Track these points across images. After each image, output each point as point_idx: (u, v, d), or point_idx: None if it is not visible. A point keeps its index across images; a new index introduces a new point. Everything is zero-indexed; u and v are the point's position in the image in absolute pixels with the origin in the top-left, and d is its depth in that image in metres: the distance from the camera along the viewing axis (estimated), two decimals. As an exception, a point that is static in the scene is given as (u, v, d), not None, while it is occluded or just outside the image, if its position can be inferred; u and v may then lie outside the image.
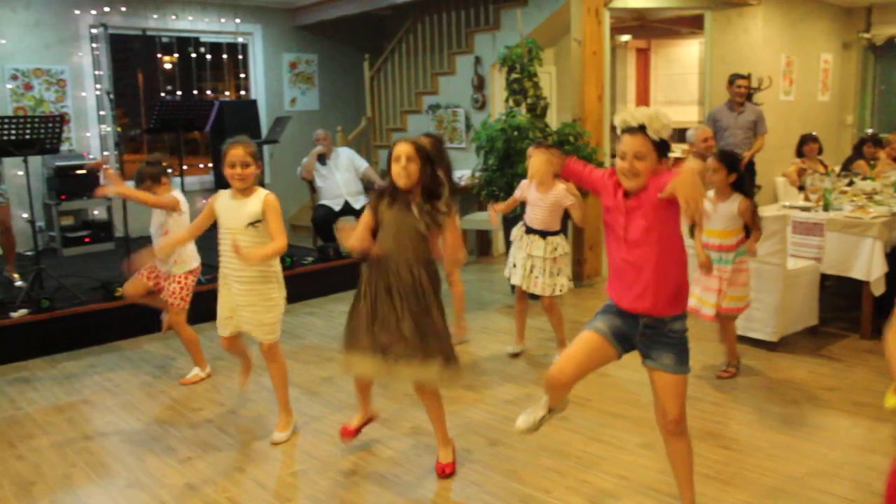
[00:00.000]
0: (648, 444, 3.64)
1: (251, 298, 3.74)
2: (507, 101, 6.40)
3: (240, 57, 9.76)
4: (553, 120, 7.81)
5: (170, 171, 4.78)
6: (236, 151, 3.64)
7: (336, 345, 5.26)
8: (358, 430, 3.74)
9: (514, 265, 4.89)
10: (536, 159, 2.99)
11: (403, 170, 3.18)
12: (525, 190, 4.85)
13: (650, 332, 2.74)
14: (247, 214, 3.66)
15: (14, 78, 7.94)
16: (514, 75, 6.28)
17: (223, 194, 3.78)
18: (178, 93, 9.30)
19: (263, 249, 3.62)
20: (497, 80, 8.14)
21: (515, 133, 6.05)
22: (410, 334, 3.21)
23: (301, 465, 3.58)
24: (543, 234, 4.77)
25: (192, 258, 4.65)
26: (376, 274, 3.30)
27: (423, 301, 3.26)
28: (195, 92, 9.63)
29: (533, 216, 4.79)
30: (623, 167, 2.65)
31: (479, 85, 8.34)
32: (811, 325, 5.15)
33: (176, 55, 9.25)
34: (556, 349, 4.91)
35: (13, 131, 5.31)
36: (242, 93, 9.86)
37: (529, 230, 4.81)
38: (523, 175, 6.00)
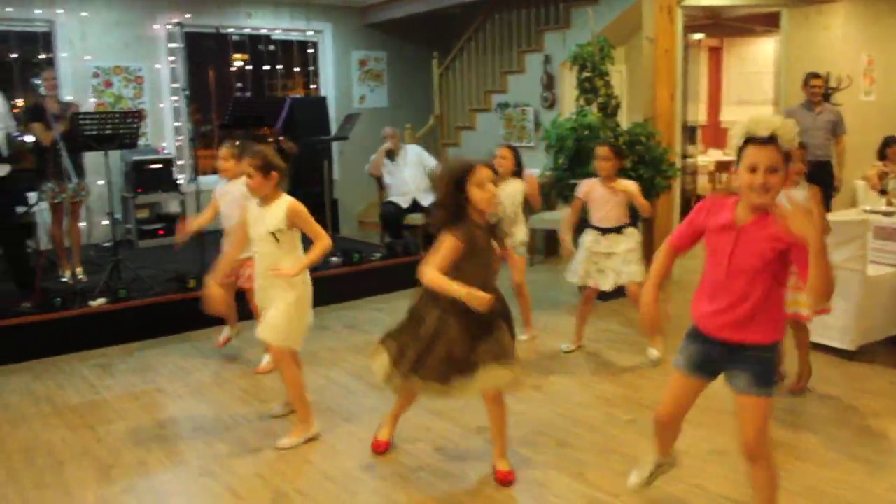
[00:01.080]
0: (720, 450, 3.56)
1: (268, 303, 3.77)
2: (577, 99, 6.35)
3: (310, 53, 9.89)
4: (623, 119, 7.72)
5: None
6: (244, 165, 3.70)
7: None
8: (390, 444, 3.72)
9: (600, 271, 4.82)
10: None
11: (493, 197, 3.18)
12: (589, 191, 4.80)
13: (735, 355, 2.60)
14: (268, 223, 3.68)
15: (95, 76, 8.19)
16: (585, 74, 6.23)
17: (253, 202, 3.79)
18: (247, 91, 9.46)
19: (308, 257, 3.65)
20: (567, 79, 8.08)
21: (586, 132, 6.00)
22: (470, 349, 3.16)
23: (368, 460, 3.60)
24: (619, 230, 4.75)
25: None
26: (447, 301, 3.17)
27: (498, 319, 3.24)
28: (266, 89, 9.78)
29: (604, 215, 4.75)
30: (754, 182, 2.43)
31: (549, 84, 8.29)
32: (893, 335, 4.97)
33: (247, 53, 9.41)
34: (650, 343, 4.83)
35: (95, 127, 5.47)
36: (312, 87, 9.98)
37: (605, 230, 4.77)
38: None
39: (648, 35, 6.59)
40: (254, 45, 9.44)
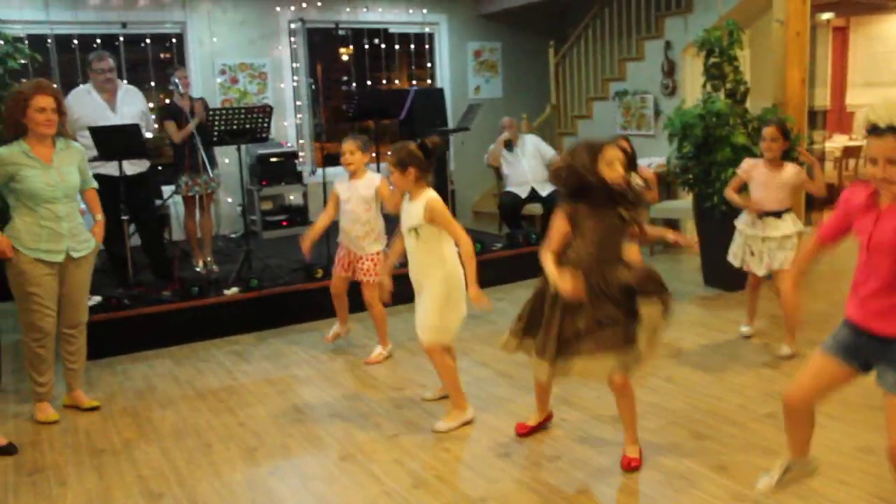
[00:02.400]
0: (867, 447, 3.42)
1: (418, 297, 3.87)
2: (704, 86, 6.17)
3: (425, 46, 9.97)
4: (748, 105, 7.47)
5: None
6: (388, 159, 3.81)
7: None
8: (534, 429, 3.75)
9: (752, 254, 4.71)
10: None
11: (620, 177, 3.16)
12: (751, 170, 4.67)
13: (884, 349, 2.50)
14: (411, 218, 3.75)
15: (222, 72, 8.49)
16: (712, 59, 6.05)
17: (406, 196, 3.87)
18: (365, 83, 9.62)
19: (470, 272, 3.69)
20: (689, 65, 7.88)
21: (714, 119, 5.83)
22: (590, 329, 3.18)
23: (505, 448, 3.62)
24: (779, 214, 4.62)
25: (384, 237, 4.85)
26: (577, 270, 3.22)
27: (620, 299, 3.21)
28: (383, 81, 9.92)
29: (766, 197, 4.62)
30: (875, 175, 2.37)
31: (670, 70, 8.10)
32: None
33: (362, 46, 9.55)
34: (785, 340, 4.67)
35: (229, 122, 5.68)
36: (428, 81, 10.07)
37: (764, 213, 4.64)
38: (722, 163, 5.80)
39: (779, 17, 6.34)
40: (369, 37, 9.57)
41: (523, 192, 7.50)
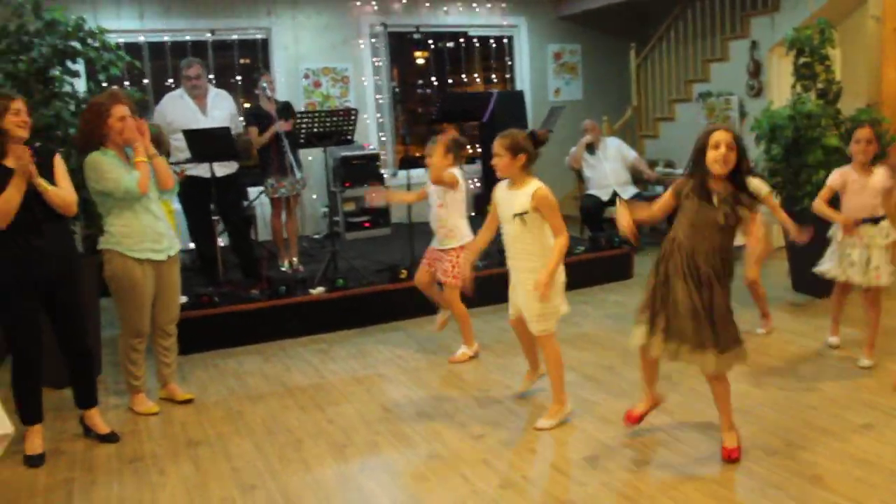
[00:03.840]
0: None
1: (520, 286, 3.92)
2: (793, 86, 6.03)
3: (504, 48, 9.98)
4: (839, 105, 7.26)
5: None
6: (494, 143, 3.81)
7: (611, 334, 5.30)
8: (642, 416, 3.77)
9: (852, 264, 4.52)
10: None
11: (723, 157, 3.19)
12: (842, 179, 4.53)
13: None
14: (516, 205, 3.80)
15: (306, 76, 8.67)
16: (803, 59, 5.90)
17: (502, 184, 3.94)
18: (445, 86, 9.68)
19: (551, 263, 3.75)
20: (776, 66, 7.70)
21: (805, 121, 5.69)
22: (693, 321, 3.28)
23: (591, 451, 3.60)
24: (875, 221, 4.46)
25: (463, 235, 4.87)
26: (672, 256, 3.36)
27: (712, 290, 3.29)
28: (460, 84, 9.97)
29: (860, 204, 4.47)
30: None
31: (755, 71, 7.93)
32: None
33: (440, 49, 9.62)
34: (865, 352, 4.52)
35: (316, 124, 5.79)
36: (507, 84, 10.08)
37: (861, 221, 4.49)
38: (812, 165, 5.65)
39: (875, 13, 6.16)
40: (448, 41, 9.63)
41: (605, 195, 7.45)
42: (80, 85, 5.38)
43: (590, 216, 7.52)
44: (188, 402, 4.48)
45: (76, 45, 4.91)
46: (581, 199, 7.83)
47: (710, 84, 8.51)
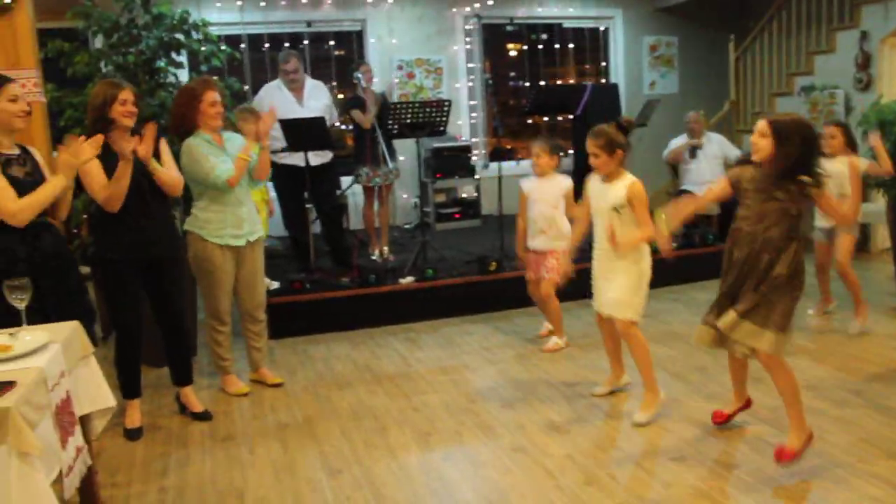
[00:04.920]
0: None
1: (610, 274, 3.92)
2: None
3: (599, 41, 9.85)
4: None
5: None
6: (587, 143, 3.84)
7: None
8: (731, 417, 3.72)
9: None
10: None
11: (753, 144, 3.23)
12: None
13: None
14: (610, 198, 3.83)
15: (399, 68, 8.75)
16: (917, 51, 5.63)
17: (594, 177, 3.97)
18: (537, 78, 9.62)
19: (632, 237, 3.78)
20: (887, 57, 7.35)
21: (919, 115, 5.43)
22: (752, 303, 3.27)
23: (678, 451, 3.53)
24: None
25: (568, 231, 4.87)
26: (736, 243, 3.37)
27: (772, 275, 3.24)
28: (553, 77, 9.88)
29: None
30: None
31: (864, 63, 7.59)
32: None
33: (532, 41, 9.55)
34: None
35: (409, 115, 5.84)
36: (601, 76, 9.94)
37: None
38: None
39: None
40: (541, 33, 9.55)
41: (700, 191, 7.26)
42: (183, 75, 5.57)
43: (684, 212, 7.35)
44: (278, 385, 4.60)
45: (180, 37, 5.09)
46: (675, 195, 7.66)
47: (814, 77, 8.19)
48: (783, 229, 3.23)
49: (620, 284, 3.85)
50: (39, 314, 3.18)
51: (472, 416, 4.04)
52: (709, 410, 3.83)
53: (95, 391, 3.10)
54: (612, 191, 3.84)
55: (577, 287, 5.07)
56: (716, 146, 7.38)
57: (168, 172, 3.87)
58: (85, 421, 3.03)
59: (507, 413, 4.06)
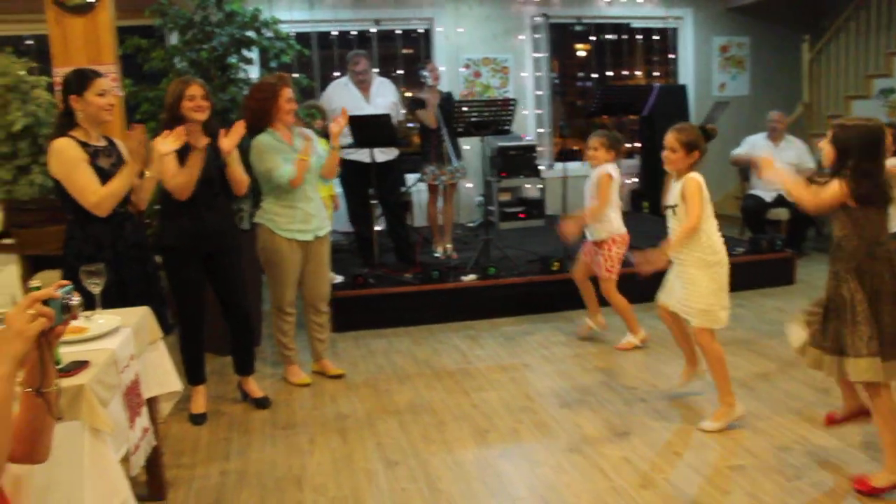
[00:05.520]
0: None
1: (681, 274, 3.87)
2: None
3: (667, 41, 9.72)
4: None
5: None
6: (668, 136, 3.80)
7: (768, 340, 5.07)
8: (842, 421, 3.59)
9: None
10: None
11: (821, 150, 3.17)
12: None
13: None
14: (671, 197, 3.84)
15: (466, 66, 8.78)
16: None
17: (670, 177, 3.93)
18: (603, 79, 9.53)
19: (676, 238, 3.77)
20: (971, 60, 7.10)
21: None
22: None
23: (740, 460, 3.47)
24: None
25: (615, 225, 4.92)
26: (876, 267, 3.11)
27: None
28: (620, 77, 9.79)
29: None
30: None
31: (948, 65, 7.34)
32: None
33: (597, 41, 9.47)
34: None
35: (474, 113, 5.86)
36: (668, 77, 9.81)
37: None
38: None
39: None
40: (609, 32, 9.45)
41: (769, 196, 7.12)
42: (253, 72, 5.69)
43: (751, 217, 7.21)
44: (339, 377, 4.67)
45: (252, 34, 5.20)
46: (743, 198, 7.53)
47: (894, 79, 7.95)
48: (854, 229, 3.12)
49: (690, 291, 3.78)
50: (121, 299, 3.32)
51: (529, 415, 4.05)
52: (775, 421, 3.76)
53: (163, 375, 3.21)
54: (674, 190, 3.83)
55: (636, 289, 5.05)
56: (793, 152, 7.20)
57: (240, 170, 3.98)
58: (152, 403, 3.15)
59: (564, 413, 4.05)
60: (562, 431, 3.83)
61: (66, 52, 4.43)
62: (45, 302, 1.50)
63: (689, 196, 3.71)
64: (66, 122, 3.45)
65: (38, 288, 2.67)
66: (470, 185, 8.63)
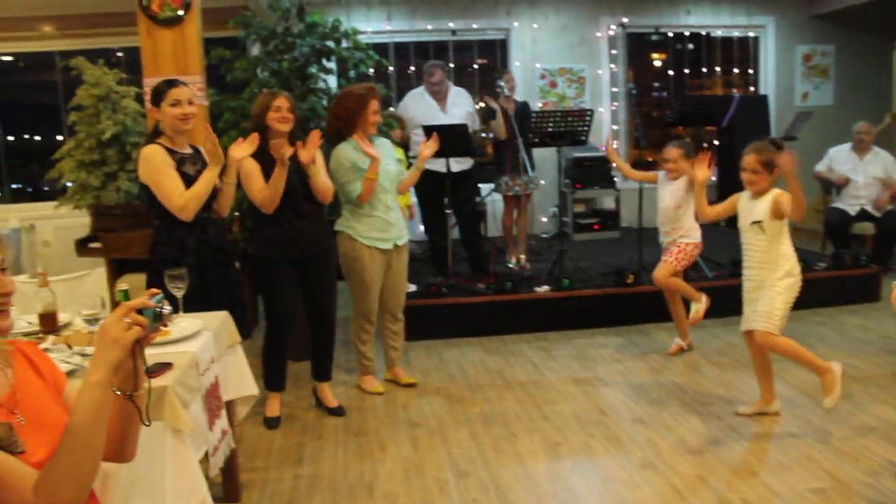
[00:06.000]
0: None
1: (753, 283, 3.87)
2: None
3: (748, 50, 9.51)
4: None
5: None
6: (748, 158, 3.80)
7: (851, 359, 4.90)
8: None
9: None
10: None
11: None
12: None
13: None
14: (755, 213, 3.81)
15: (542, 77, 8.76)
16: None
17: (744, 194, 3.94)
18: (666, 89, 9.39)
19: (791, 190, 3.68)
20: None
21: None
22: None
23: (820, 483, 3.35)
24: None
25: (694, 231, 4.96)
26: None
27: None
28: (698, 87, 9.62)
29: None
30: None
31: None
32: None
33: (675, 51, 9.33)
34: None
35: (550, 124, 5.84)
36: (748, 86, 9.60)
37: None
38: None
39: None
40: (687, 42, 9.31)
41: (853, 210, 6.90)
42: (332, 81, 5.79)
43: (835, 231, 6.99)
44: (411, 385, 4.70)
45: (331, 45, 5.29)
46: (825, 212, 7.31)
47: None
48: None
49: (770, 297, 3.78)
50: (203, 302, 3.42)
51: (602, 429, 4.00)
52: (860, 443, 3.64)
53: (240, 379, 3.29)
54: (757, 206, 3.81)
55: (724, 303, 4.96)
56: (880, 165, 6.95)
57: (324, 180, 4.06)
58: (229, 406, 3.21)
59: (638, 428, 3.99)
60: (635, 446, 3.78)
61: (156, 63, 4.59)
62: (140, 311, 1.55)
63: (788, 200, 3.68)
64: (155, 131, 3.59)
65: (126, 291, 2.79)
66: (544, 195, 8.61)
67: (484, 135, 6.67)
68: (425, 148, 4.48)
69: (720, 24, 9.23)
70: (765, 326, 3.77)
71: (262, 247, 4.04)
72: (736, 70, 9.69)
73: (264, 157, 3.86)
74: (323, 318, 4.27)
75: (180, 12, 4.54)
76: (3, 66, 8.48)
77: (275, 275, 4.05)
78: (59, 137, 8.28)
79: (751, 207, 3.84)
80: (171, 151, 3.53)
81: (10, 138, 8.57)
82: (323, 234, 4.24)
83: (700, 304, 4.92)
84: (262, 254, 4.04)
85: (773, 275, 3.79)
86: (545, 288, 5.77)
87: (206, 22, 4.83)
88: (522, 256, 6.75)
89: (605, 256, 6.86)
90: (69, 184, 5.79)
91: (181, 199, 3.47)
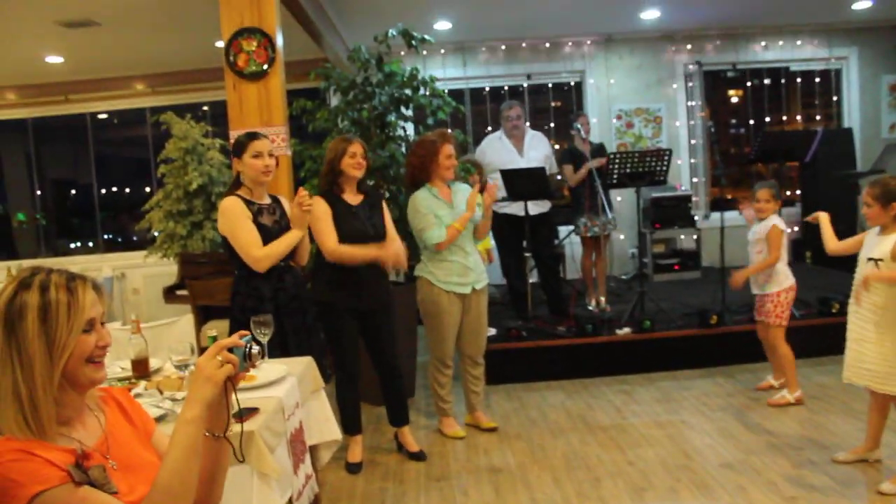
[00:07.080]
0: None
1: (864, 337, 3.68)
2: None
3: (830, 82, 9.29)
4: None
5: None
6: (864, 191, 3.74)
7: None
8: None
9: None
10: None
11: None
12: None
13: None
14: (876, 250, 3.67)
15: (618, 117, 8.74)
16: None
17: (872, 230, 3.80)
18: (744, 125, 9.22)
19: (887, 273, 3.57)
20: None
21: None
22: None
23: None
24: None
25: (784, 277, 4.78)
26: None
27: None
28: (767, 120, 9.44)
29: None
30: None
31: None
32: None
33: (753, 86, 9.18)
34: None
35: (629, 165, 5.81)
36: (831, 120, 9.36)
37: None
38: None
39: None
40: (765, 77, 9.15)
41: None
42: (410, 128, 5.90)
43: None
44: (492, 430, 4.68)
45: (409, 93, 5.40)
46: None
47: None
48: None
49: (880, 353, 3.59)
50: (281, 348, 3.49)
51: (688, 474, 3.90)
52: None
53: (324, 423, 3.33)
54: (880, 244, 3.66)
55: (813, 343, 4.81)
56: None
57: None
58: (313, 451, 3.25)
59: (726, 472, 3.88)
60: (724, 492, 3.66)
61: (241, 115, 4.75)
62: (230, 350, 1.61)
63: None
64: (236, 182, 3.70)
65: (215, 338, 2.88)
66: (622, 236, 8.54)
67: (559, 177, 6.68)
68: (489, 197, 4.45)
69: (800, 57, 9.05)
70: (890, 390, 3.61)
71: (326, 293, 4.09)
72: (817, 103, 9.47)
73: (338, 205, 3.96)
74: (388, 367, 4.29)
75: (265, 67, 4.70)
76: (99, 123, 8.93)
77: (339, 321, 4.11)
78: (147, 189, 8.65)
79: (875, 244, 3.71)
80: (248, 203, 3.63)
81: (103, 191, 8.99)
82: (384, 285, 4.27)
83: (790, 397, 4.77)
84: (326, 299, 4.09)
85: (878, 321, 3.60)
86: (626, 330, 5.69)
87: (288, 74, 5.00)
88: (602, 298, 6.68)
89: (685, 297, 6.73)
90: (157, 233, 6.02)
91: (260, 251, 3.56)
